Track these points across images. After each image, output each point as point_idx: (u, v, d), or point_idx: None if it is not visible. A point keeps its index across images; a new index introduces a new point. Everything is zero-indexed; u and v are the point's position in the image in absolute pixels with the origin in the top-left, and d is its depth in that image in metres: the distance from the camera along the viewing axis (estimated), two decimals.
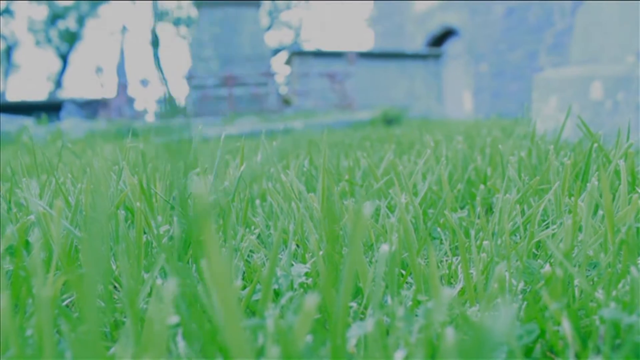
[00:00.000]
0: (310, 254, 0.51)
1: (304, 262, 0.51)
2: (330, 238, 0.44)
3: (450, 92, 8.80)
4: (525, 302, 0.45)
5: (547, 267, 0.41)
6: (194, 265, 0.47)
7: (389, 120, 4.67)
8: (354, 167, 0.95)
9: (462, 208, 0.80)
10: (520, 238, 0.59)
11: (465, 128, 2.58)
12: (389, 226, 0.50)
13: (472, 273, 0.48)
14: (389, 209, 0.73)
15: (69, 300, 0.44)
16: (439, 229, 0.63)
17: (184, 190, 0.51)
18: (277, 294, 0.45)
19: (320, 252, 0.45)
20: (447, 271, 0.53)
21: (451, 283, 0.52)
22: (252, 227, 0.64)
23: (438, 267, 0.55)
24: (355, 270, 0.35)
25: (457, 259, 0.57)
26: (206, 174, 0.60)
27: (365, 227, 0.38)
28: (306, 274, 0.47)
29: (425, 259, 0.55)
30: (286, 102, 8.46)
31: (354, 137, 2.37)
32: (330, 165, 0.95)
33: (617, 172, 0.74)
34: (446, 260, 0.58)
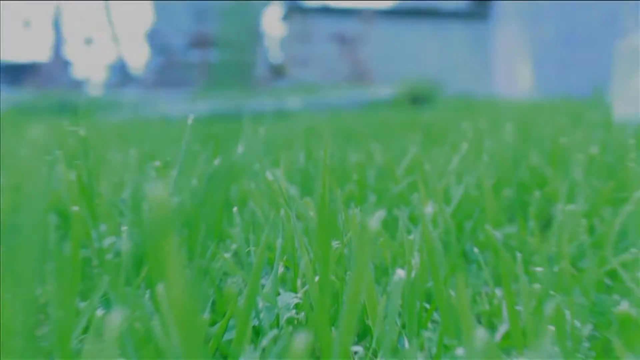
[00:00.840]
0: (303, 279, 0.51)
1: (294, 291, 0.52)
2: (329, 259, 0.44)
3: (501, 63, 8.79)
4: (593, 353, 0.45)
5: (624, 306, 0.41)
6: (148, 291, 0.48)
7: (417, 99, 4.66)
8: (366, 164, 0.95)
9: (509, 221, 0.81)
10: (588, 265, 0.60)
11: (519, 112, 2.59)
12: (409, 244, 0.50)
13: (520, 310, 0.49)
14: (411, 221, 0.73)
15: None
16: (476, 250, 0.63)
17: (138, 191, 0.51)
18: (258, 332, 0.46)
19: (316, 278, 0.46)
20: (487, 307, 0.54)
21: (492, 323, 0.53)
22: (228, 242, 0.65)
23: (474, 301, 0.55)
24: (361, 303, 0.36)
25: (500, 290, 0.57)
26: (167, 169, 0.61)
27: (375, 245, 0.38)
28: (296, 306, 0.47)
29: (457, 289, 0.56)
30: (279, 72, 8.47)
31: (367, 122, 2.37)
32: (334, 160, 0.96)
33: None
34: (485, 293, 0.59)
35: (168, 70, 7.52)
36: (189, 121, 0.63)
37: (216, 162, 0.64)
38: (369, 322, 0.44)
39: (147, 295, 0.47)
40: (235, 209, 0.53)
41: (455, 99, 4.73)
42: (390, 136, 1.56)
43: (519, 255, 0.51)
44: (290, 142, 1.25)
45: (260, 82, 7.37)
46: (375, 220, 0.35)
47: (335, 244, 0.49)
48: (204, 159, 0.74)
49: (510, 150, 0.95)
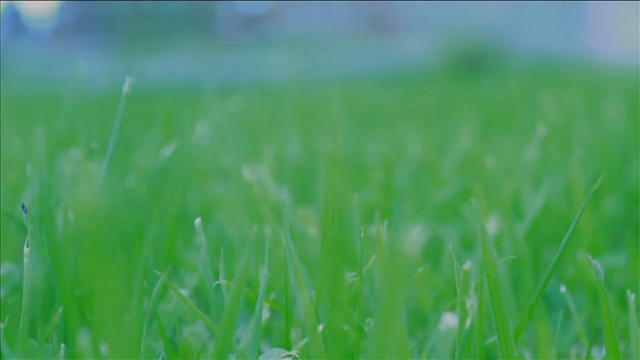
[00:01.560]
0: (299, 328, 0.52)
1: (286, 347, 0.52)
2: (339, 299, 0.44)
3: (599, 11, 8.81)
4: None
5: None
6: (63, 345, 0.48)
7: (469, 62, 4.66)
8: (393, 158, 0.96)
9: (614, 247, 0.81)
10: None
11: (628, 83, 2.59)
12: (461, 280, 0.51)
13: None
14: (463, 245, 0.74)
15: None
16: (564, 289, 0.64)
17: (47, 194, 0.52)
18: None
19: (320, 327, 0.46)
20: None
21: None
22: (184, 273, 0.65)
23: None
24: None
25: (600, 351, 0.58)
26: (91, 161, 0.61)
27: (409, 280, 0.39)
28: None
29: (534, 347, 0.56)
30: (257, 22, 8.50)
31: (394, 97, 2.38)
32: (344, 153, 0.96)
33: None
34: (577, 354, 0.59)
35: (88, 20, 7.54)
36: (125, 88, 0.64)
37: (165, 151, 0.64)
38: None
39: (61, 352, 0.48)
40: (197, 222, 0.54)
41: (529, 63, 4.74)
42: (429, 118, 1.56)
43: (630, 297, 0.51)
44: (278, 124, 1.26)
45: (228, 37, 7.37)
46: (413, 242, 0.35)
47: (349, 276, 0.50)
48: (150, 147, 0.74)
49: (615, 141, 0.96)
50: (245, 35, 7.48)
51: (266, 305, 0.55)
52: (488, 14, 8.56)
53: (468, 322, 0.48)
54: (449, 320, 0.42)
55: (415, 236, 0.36)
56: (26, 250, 0.51)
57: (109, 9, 7.42)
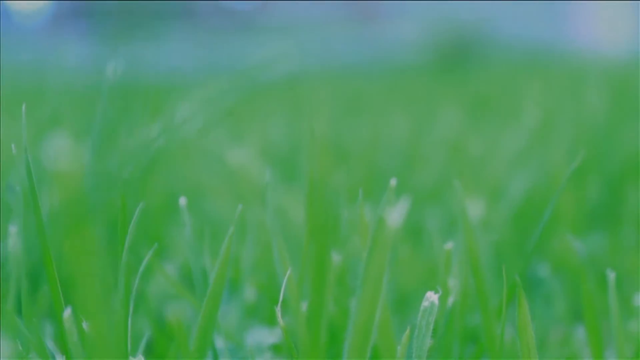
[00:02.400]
0: (284, 308, 0.52)
1: (271, 325, 0.52)
2: (325, 276, 0.45)
3: (584, 2, 8.82)
4: None
5: None
6: (49, 324, 0.49)
7: (455, 49, 4.66)
8: (376, 141, 0.96)
9: (595, 228, 0.82)
10: None
11: (614, 74, 2.60)
12: (444, 260, 0.51)
13: None
14: (447, 227, 0.74)
15: None
16: (546, 270, 0.64)
17: (32, 172, 0.52)
18: None
19: (303, 306, 0.47)
20: (561, 354, 0.55)
21: None
22: (170, 253, 0.66)
23: (541, 345, 0.56)
24: (370, 341, 0.37)
25: (581, 330, 0.58)
26: (77, 139, 0.61)
27: (392, 260, 0.39)
28: (274, 348, 0.48)
29: (517, 327, 0.56)
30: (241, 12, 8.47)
31: (379, 84, 2.38)
32: (329, 137, 0.97)
33: None
34: (559, 333, 0.60)
35: (75, 8, 7.52)
36: (109, 72, 0.64)
37: (151, 131, 0.64)
38: None
39: (47, 331, 0.48)
40: (182, 201, 0.54)
41: (514, 52, 4.74)
42: (414, 106, 1.57)
43: (610, 277, 0.52)
44: (261, 107, 1.26)
45: (211, 26, 7.35)
46: (396, 217, 0.36)
47: (334, 256, 0.50)
48: (135, 127, 0.74)
49: (599, 126, 0.96)
50: (230, 22, 7.46)
51: (252, 287, 0.55)
52: (474, 4, 8.55)
53: (450, 301, 0.49)
54: (432, 298, 0.42)
55: (398, 213, 0.36)
56: (12, 229, 0.51)
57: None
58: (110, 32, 6.11)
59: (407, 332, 0.43)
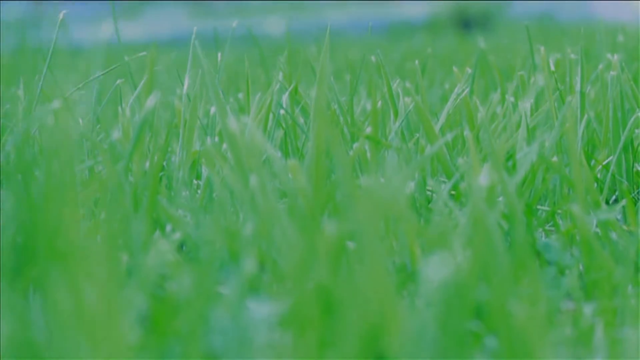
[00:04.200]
0: (287, 282, 0.51)
1: (274, 299, 0.52)
2: (325, 250, 0.44)
3: None
4: None
5: None
6: (37, 296, 0.48)
7: (468, 21, 4.67)
8: (385, 112, 0.95)
9: (608, 202, 0.81)
10: None
11: (631, 43, 2.58)
12: (451, 233, 0.50)
13: (622, 339, 0.49)
14: (454, 199, 0.73)
15: None
16: (556, 244, 0.64)
17: (26, 140, 0.51)
18: None
19: (309, 283, 0.46)
20: (570, 332, 0.54)
21: (577, 357, 0.53)
22: (169, 227, 0.65)
23: (550, 322, 0.56)
24: (370, 318, 0.36)
25: (592, 307, 0.57)
26: (70, 110, 0.61)
27: (398, 230, 0.38)
28: (279, 323, 0.48)
29: (526, 303, 0.56)
30: None
31: (390, 53, 2.37)
32: (335, 105, 0.96)
33: None
34: (569, 310, 0.59)
35: None
36: (108, 47, 0.63)
37: (149, 102, 0.64)
38: (388, 343, 0.44)
39: (37, 303, 0.48)
40: (180, 175, 0.54)
41: (529, 22, 4.72)
42: (424, 72, 1.55)
43: (623, 252, 0.51)
44: (266, 76, 1.25)
45: None
46: (399, 188, 0.35)
47: (328, 227, 0.49)
48: (132, 99, 0.74)
49: (615, 92, 0.95)
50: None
51: (251, 259, 0.54)
52: None
53: (456, 276, 0.48)
54: (437, 272, 0.41)
55: (404, 183, 0.35)
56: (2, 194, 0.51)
57: None
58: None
59: (412, 308, 0.43)
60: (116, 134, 0.68)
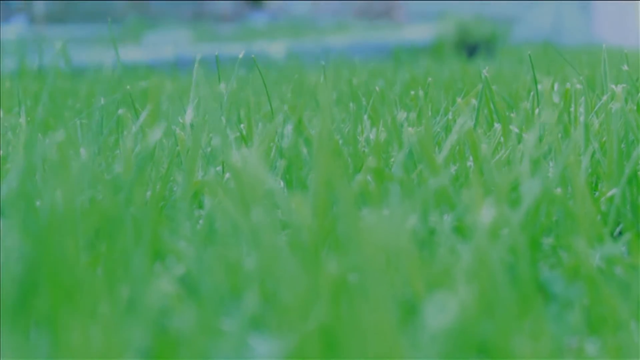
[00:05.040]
0: (290, 319, 0.51)
1: (277, 336, 0.52)
2: (329, 290, 0.44)
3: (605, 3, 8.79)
4: None
5: None
6: (43, 335, 0.48)
7: (471, 46, 4.68)
8: (389, 142, 0.95)
9: (614, 234, 0.81)
10: None
11: (633, 67, 2.58)
12: (453, 269, 0.50)
13: None
14: (457, 234, 0.73)
15: None
16: (560, 280, 0.64)
17: (29, 176, 0.52)
18: None
19: (311, 321, 0.46)
20: None
21: None
22: (171, 260, 0.65)
23: (554, 359, 0.56)
24: (373, 357, 0.36)
25: (596, 343, 0.57)
26: (73, 145, 0.61)
27: (401, 268, 0.39)
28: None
29: (532, 339, 0.56)
30: (254, 1, 8.49)
31: (392, 79, 2.37)
32: (338, 135, 0.96)
33: None
34: (573, 347, 0.59)
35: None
36: (109, 72, 0.64)
37: (153, 136, 0.64)
38: None
39: (43, 342, 0.48)
40: (182, 207, 0.54)
41: (532, 47, 4.72)
42: (427, 101, 1.56)
43: (627, 287, 0.51)
44: (270, 106, 1.25)
45: (223, 17, 7.37)
46: (400, 229, 0.35)
47: (330, 264, 0.50)
48: (134, 129, 0.74)
49: (619, 123, 0.95)
50: (243, 15, 7.48)
51: (252, 295, 0.54)
52: (488, 5, 8.55)
53: (459, 313, 0.48)
54: (442, 313, 0.42)
55: (405, 222, 0.36)
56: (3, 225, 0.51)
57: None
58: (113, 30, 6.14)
59: (414, 347, 0.43)
60: (118, 167, 0.68)
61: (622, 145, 0.94)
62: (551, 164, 0.92)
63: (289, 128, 0.96)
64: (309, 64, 3.68)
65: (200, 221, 0.76)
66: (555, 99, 1.09)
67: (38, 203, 0.59)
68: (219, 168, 0.86)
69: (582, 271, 0.67)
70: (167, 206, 0.77)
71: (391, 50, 4.63)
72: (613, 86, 1.10)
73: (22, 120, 0.96)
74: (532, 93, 1.28)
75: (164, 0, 7.60)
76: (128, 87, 0.90)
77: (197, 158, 0.81)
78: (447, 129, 1.13)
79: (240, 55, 1.06)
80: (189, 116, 0.80)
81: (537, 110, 1.04)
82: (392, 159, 0.94)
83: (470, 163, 0.86)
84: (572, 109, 1.14)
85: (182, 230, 0.69)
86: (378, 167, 0.76)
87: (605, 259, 0.71)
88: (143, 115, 0.81)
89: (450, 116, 1.20)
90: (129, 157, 0.70)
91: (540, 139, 0.92)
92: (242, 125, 1.03)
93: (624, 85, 1.18)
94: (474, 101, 1.05)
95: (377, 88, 1.12)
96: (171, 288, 0.56)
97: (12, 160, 0.78)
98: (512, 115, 1.16)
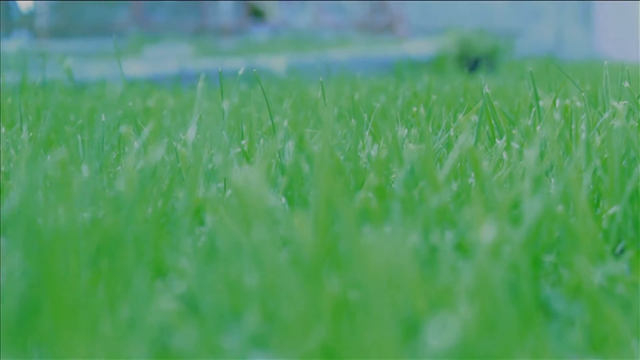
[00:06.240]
0: (291, 338, 0.51)
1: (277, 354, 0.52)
2: (330, 311, 0.44)
3: (609, 12, 8.81)
4: None
5: None
6: (44, 354, 0.48)
7: (473, 60, 4.68)
8: (390, 160, 0.96)
9: (615, 252, 0.81)
10: None
11: (633, 82, 2.58)
12: (455, 288, 0.50)
13: None
14: (458, 252, 0.73)
15: None
16: (562, 299, 0.64)
17: (30, 196, 0.52)
18: None
19: (312, 339, 0.46)
20: None
21: None
22: (172, 277, 0.65)
23: None
24: None
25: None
26: (75, 162, 0.61)
27: (403, 288, 0.39)
28: None
29: (534, 357, 0.56)
30: (255, 14, 8.50)
31: (394, 94, 2.37)
32: (339, 153, 0.96)
33: None
34: None
35: (80, 14, 7.55)
36: (112, 88, 0.64)
37: (155, 153, 0.64)
38: None
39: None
40: (184, 223, 0.54)
41: (534, 61, 4.73)
42: (428, 117, 1.56)
43: (628, 305, 0.51)
44: (272, 123, 1.25)
45: (225, 30, 7.38)
46: (402, 247, 0.36)
47: (331, 284, 0.50)
48: (136, 147, 0.74)
49: (621, 141, 0.95)
50: (245, 29, 7.49)
51: (253, 314, 0.55)
52: (490, 18, 8.57)
53: (461, 332, 0.48)
54: (443, 325, 0.42)
55: (405, 242, 0.36)
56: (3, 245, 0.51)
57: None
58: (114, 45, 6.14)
59: None
60: (119, 185, 0.68)
61: (624, 163, 0.95)
62: (552, 181, 0.92)
63: (290, 144, 0.96)
64: (310, 78, 3.68)
65: (202, 238, 0.77)
66: (557, 115, 1.09)
67: (40, 221, 0.59)
68: (221, 185, 0.86)
69: (584, 289, 0.67)
70: (169, 223, 0.77)
71: (393, 64, 4.63)
72: (615, 103, 1.10)
73: (24, 136, 0.97)
74: (533, 109, 1.29)
75: (165, 14, 7.61)
76: (130, 103, 0.90)
77: (198, 175, 0.81)
78: (449, 146, 1.14)
79: (240, 72, 1.06)
80: (191, 133, 0.80)
81: (538, 127, 1.04)
82: (394, 176, 0.94)
83: (471, 180, 0.87)
84: (573, 126, 1.14)
85: (184, 247, 0.69)
86: (379, 184, 0.76)
87: (607, 277, 0.71)
88: (145, 132, 0.82)
89: (451, 132, 1.20)
90: (131, 174, 0.70)
91: (541, 156, 0.92)
92: (243, 142, 1.03)
93: (626, 102, 1.19)
94: (475, 118, 1.05)
95: (377, 105, 1.11)
96: (172, 306, 0.56)
97: (14, 177, 0.78)
98: (513, 131, 1.16)
